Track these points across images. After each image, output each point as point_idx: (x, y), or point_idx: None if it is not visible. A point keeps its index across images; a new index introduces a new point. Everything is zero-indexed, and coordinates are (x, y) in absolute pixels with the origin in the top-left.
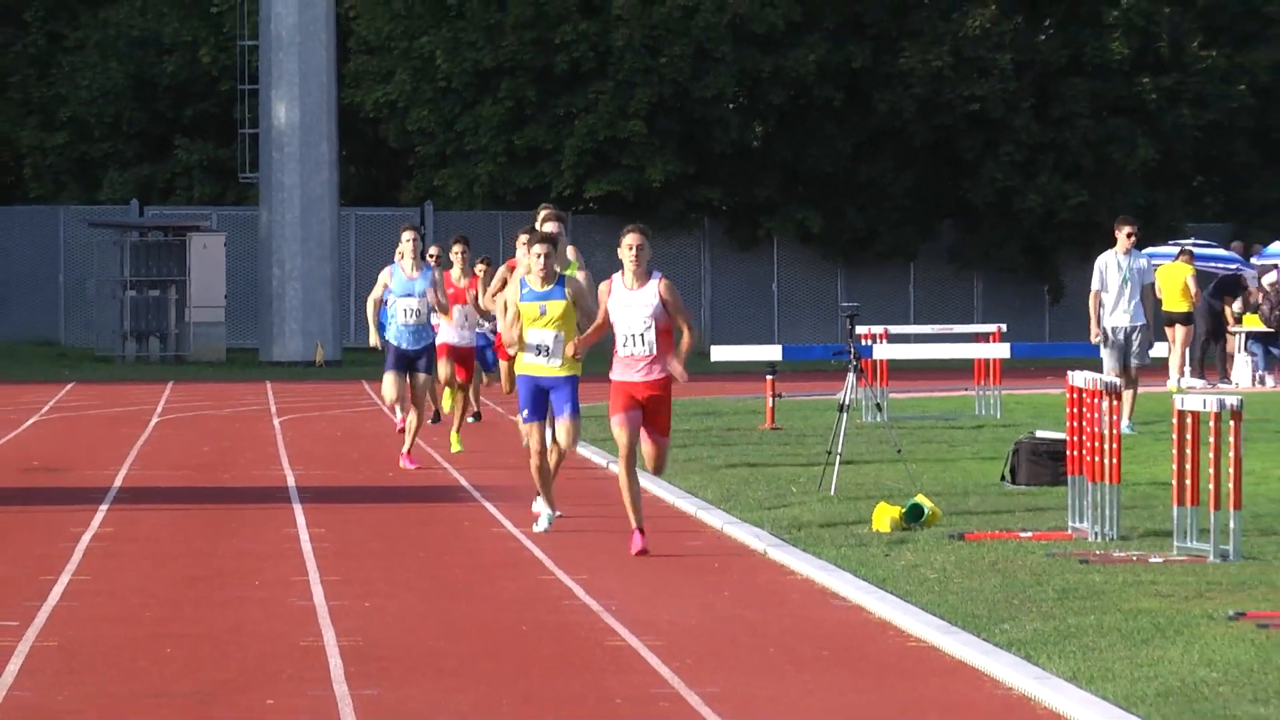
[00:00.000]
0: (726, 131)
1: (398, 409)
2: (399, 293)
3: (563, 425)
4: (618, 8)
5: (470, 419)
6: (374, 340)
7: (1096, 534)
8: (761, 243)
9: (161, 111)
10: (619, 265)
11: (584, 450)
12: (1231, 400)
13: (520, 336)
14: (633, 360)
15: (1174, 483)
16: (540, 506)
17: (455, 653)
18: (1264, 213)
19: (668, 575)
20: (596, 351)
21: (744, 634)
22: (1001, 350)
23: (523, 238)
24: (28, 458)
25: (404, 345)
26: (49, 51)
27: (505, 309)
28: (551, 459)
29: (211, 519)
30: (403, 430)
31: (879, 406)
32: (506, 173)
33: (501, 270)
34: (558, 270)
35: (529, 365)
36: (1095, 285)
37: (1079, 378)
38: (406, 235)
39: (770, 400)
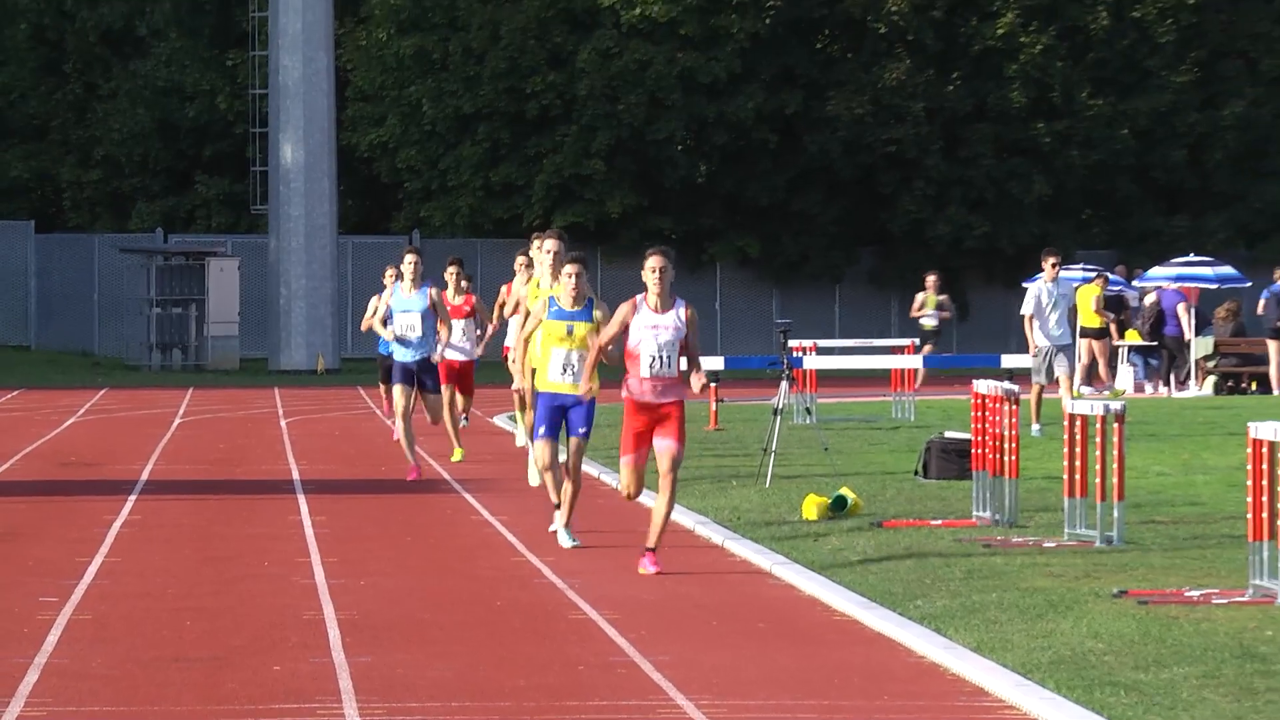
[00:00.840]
0: (676, 169)
1: (398, 421)
2: (399, 309)
3: (574, 442)
4: (581, 61)
5: (463, 422)
6: (388, 334)
7: (997, 522)
8: (706, 266)
9: (184, 151)
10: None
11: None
12: (1115, 405)
13: (529, 344)
14: (656, 381)
15: (1065, 477)
16: (560, 524)
17: (438, 624)
18: (1143, 240)
19: (624, 558)
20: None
21: (691, 609)
22: (915, 361)
23: (537, 244)
24: (66, 453)
25: (405, 359)
26: (85, 99)
27: (522, 320)
28: (567, 492)
29: (226, 507)
30: (399, 440)
31: (809, 410)
32: (484, 205)
33: (501, 294)
34: (586, 293)
35: (553, 384)
36: (1027, 310)
37: (982, 385)
38: (409, 257)
39: (713, 404)
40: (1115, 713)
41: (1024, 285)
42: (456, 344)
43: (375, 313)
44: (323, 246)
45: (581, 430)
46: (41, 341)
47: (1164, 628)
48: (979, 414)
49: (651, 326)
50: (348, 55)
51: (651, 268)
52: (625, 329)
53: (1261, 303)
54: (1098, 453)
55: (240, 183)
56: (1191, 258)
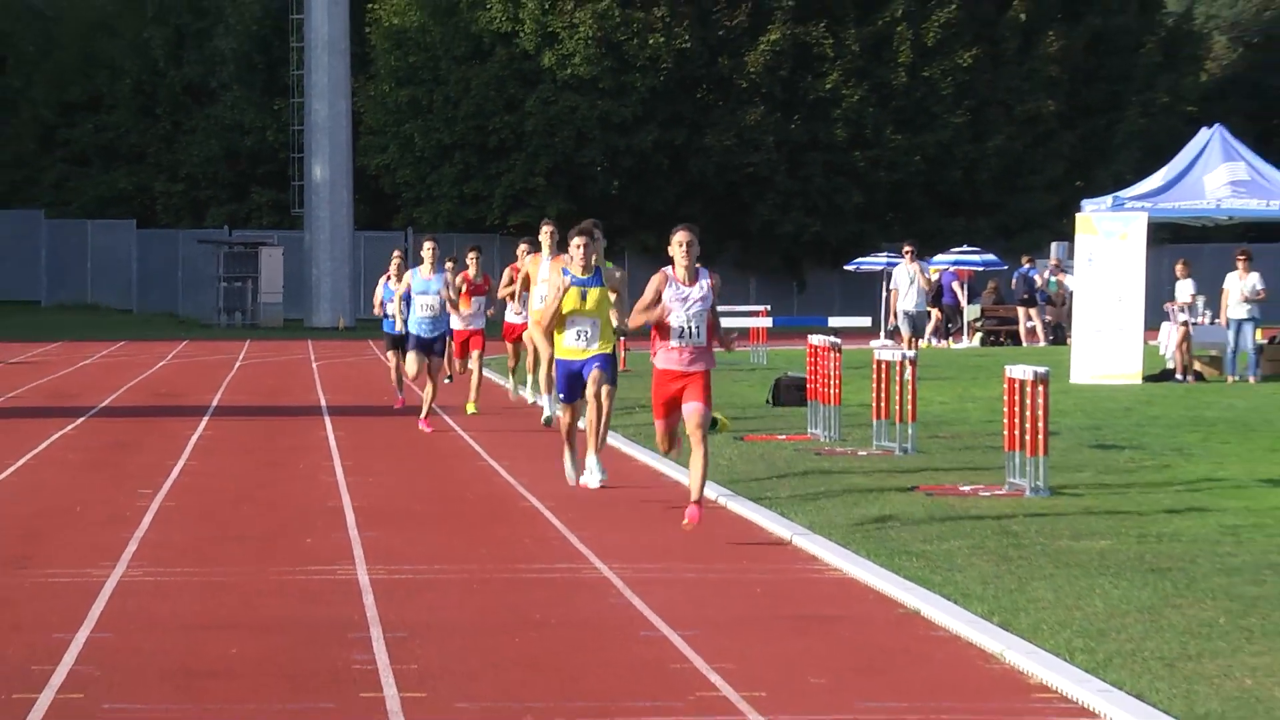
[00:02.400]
0: (596, 184)
1: (398, 390)
2: (418, 290)
3: (593, 375)
4: (528, 107)
5: (446, 380)
6: (399, 325)
7: (826, 437)
8: (617, 255)
9: (243, 170)
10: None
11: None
12: (909, 353)
13: (555, 319)
14: (683, 350)
15: (873, 404)
16: (569, 465)
17: (426, 511)
18: (930, 236)
19: (555, 464)
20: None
21: (605, 498)
22: (766, 322)
23: (578, 239)
24: (158, 387)
25: (423, 333)
26: (172, 133)
27: (531, 297)
28: (592, 420)
29: (272, 426)
30: (401, 404)
31: None
32: (458, 209)
33: (507, 271)
34: (594, 263)
35: (568, 350)
36: (893, 286)
37: (815, 339)
38: (428, 245)
39: (622, 354)
40: (908, 573)
41: (849, 267)
42: (473, 315)
43: (394, 296)
44: (342, 239)
45: (597, 364)
46: (141, 307)
47: (944, 512)
48: (812, 360)
49: (681, 299)
50: (360, 102)
51: (679, 242)
52: (659, 299)
53: (1013, 280)
54: (897, 387)
55: (283, 193)
56: (965, 248)
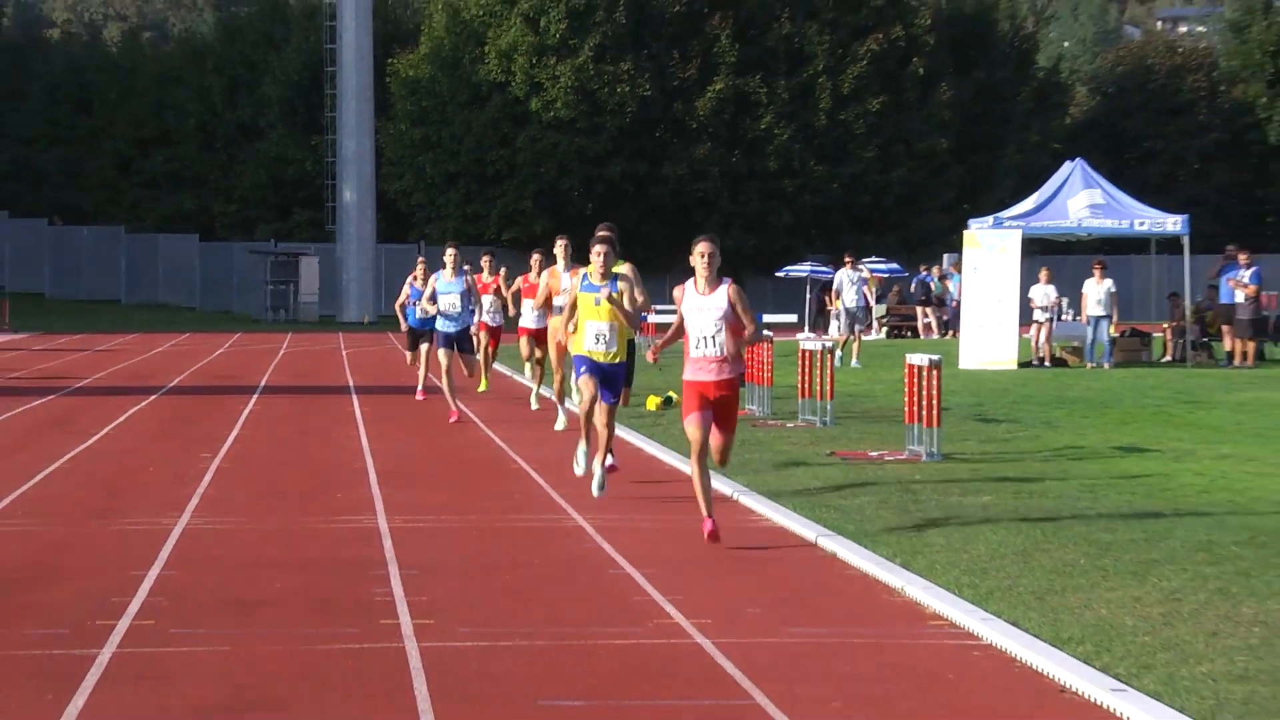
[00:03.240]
0: (574, 207)
1: (443, 377)
2: (442, 291)
3: (604, 408)
4: (519, 143)
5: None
6: (432, 309)
7: (760, 412)
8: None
9: (286, 194)
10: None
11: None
12: (829, 344)
13: (571, 321)
14: (705, 361)
15: (799, 385)
16: (581, 455)
17: (434, 470)
18: (846, 249)
19: (539, 430)
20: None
21: (568, 458)
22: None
23: (599, 247)
24: (216, 370)
25: (448, 330)
26: (228, 163)
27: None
28: (601, 439)
29: (309, 402)
30: (424, 395)
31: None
32: (461, 226)
33: (518, 280)
34: (613, 270)
35: (590, 351)
36: (836, 287)
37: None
38: (450, 251)
39: None
40: (826, 522)
41: (780, 274)
42: (489, 313)
43: (423, 296)
44: (367, 250)
45: (610, 400)
46: (202, 306)
47: (856, 473)
48: (750, 350)
49: (698, 310)
50: (382, 139)
51: (700, 253)
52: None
53: (913, 285)
54: (819, 372)
55: (319, 213)
56: (873, 258)
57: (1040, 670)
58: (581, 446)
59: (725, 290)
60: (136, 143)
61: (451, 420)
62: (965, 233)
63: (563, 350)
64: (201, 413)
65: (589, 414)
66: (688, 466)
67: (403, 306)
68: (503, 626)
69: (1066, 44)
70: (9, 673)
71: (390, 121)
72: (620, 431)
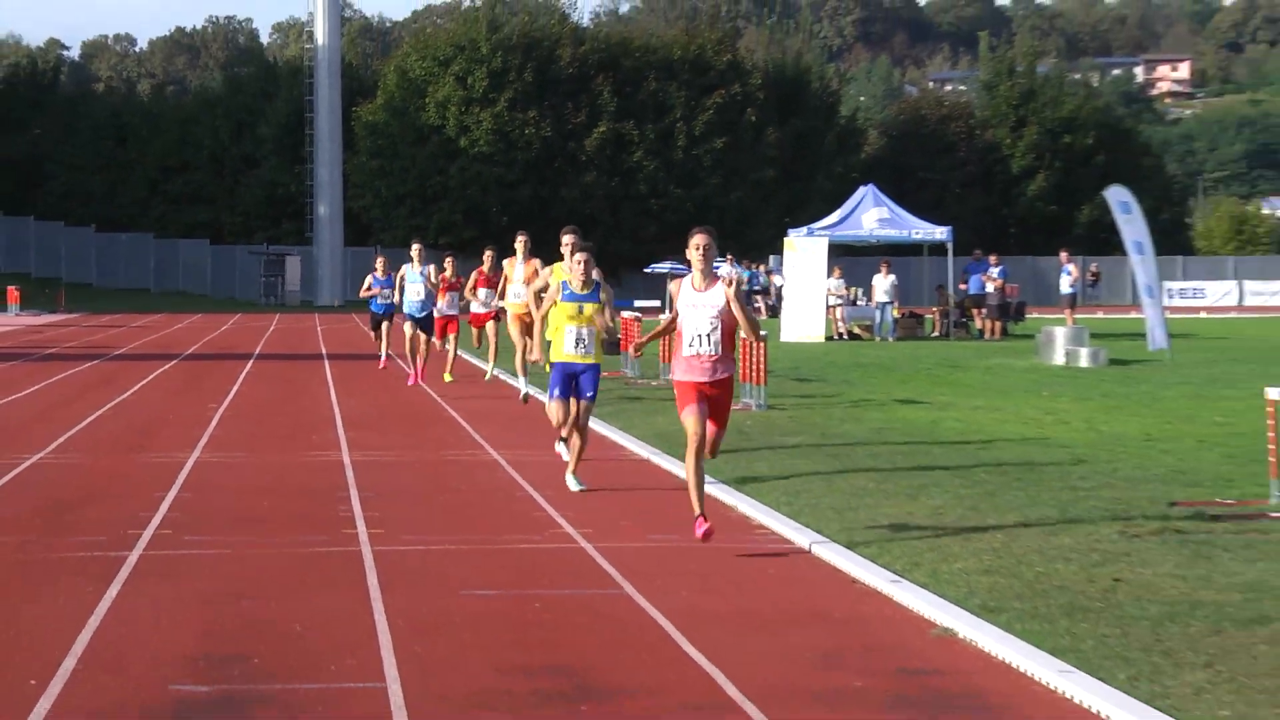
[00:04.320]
0: (494, 219)
1: (409, 361)
2: (410, 280)
3: (582, 405)
4: (451, 173)
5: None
6: (395, 297)
7: (632, 374)
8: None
9: (277, 209)
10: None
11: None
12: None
13: (544, 319)
14: (699, 360)
15: (660, 351)
16: (562, 448)
17: (390, 419)
18: (721, 254)
19: (471, 387)
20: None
21: (506, 416)
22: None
23: (568, 239)
24: (221, 343)
25: (413, 312)
26: (234, 186)
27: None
28: (575, 445)
29: (291, 367)
30: (385, 364)
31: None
32: (408, 235)
33: (474, 273)
34: (593, 278)
35: (566, 355)
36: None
37: (625, 314)
38: (415, 246)
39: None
40: (679, 456)
41: (648, 271)
42: (449, 304)
43: (394, 285)
44: (336, 253)
45: (589, 394)
46: (213, 293)
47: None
48: (625, 327)
49: (693, 305)
50: (348, 168)
51: (695, 245)
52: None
53: (746, 279)
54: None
55: (301, 224)
56: (718, 260)
57: (838, 567)
58: (562, 444)
59: (721, 287)
60: (162, 170)
61: (410, 383)
62: (786, 240)
63: (522, 324)
64: (210, 374)
65: (566, 428)
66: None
67: (368, 298)
68: (436, 535)
69: (862, 99)
70: (61, 569)
71: (354, 155)
72: (532, 390)
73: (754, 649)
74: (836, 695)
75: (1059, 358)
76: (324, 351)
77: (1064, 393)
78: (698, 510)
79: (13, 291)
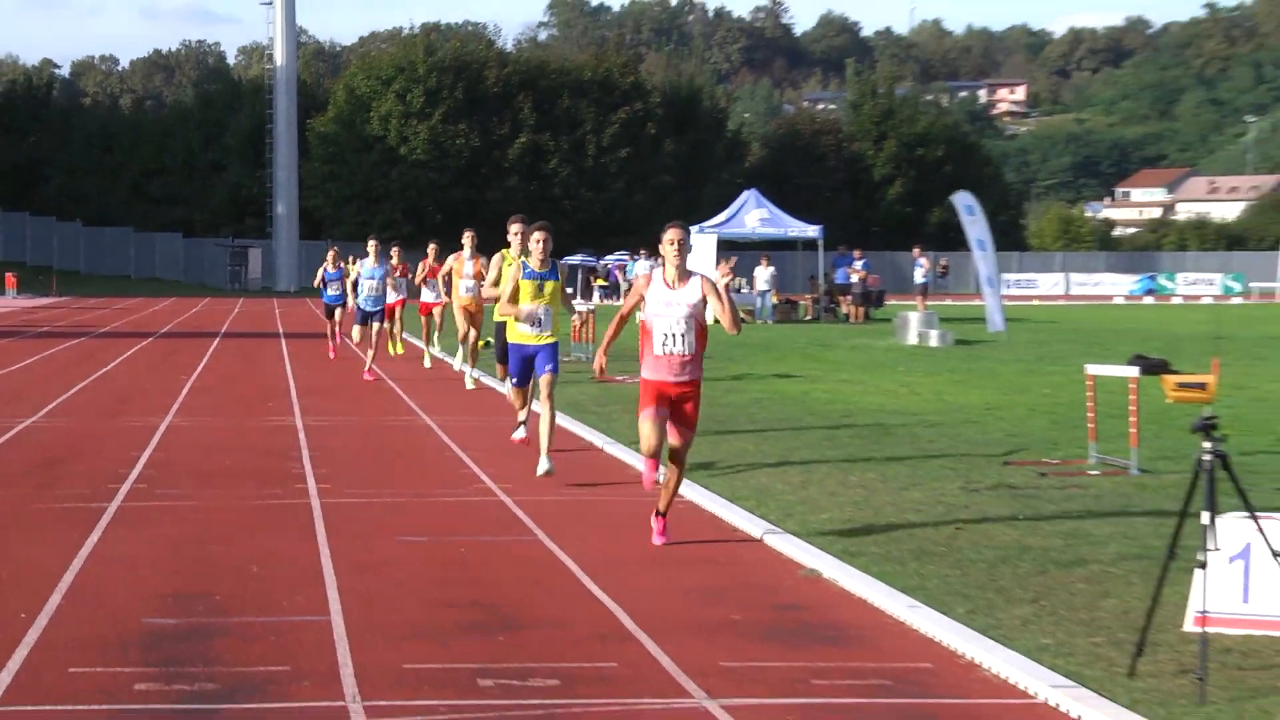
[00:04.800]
0: (430, 218)
1: (331, 342)
2: (365, 275)
3: (545, 378)
4: (392, 177)
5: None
6: (351, 302)
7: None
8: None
9: (241, 208)
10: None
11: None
12: (591, 306)
13: (510, 302)
14: (670, 359)
15: (573, 331)
16: (521, 432)
17: (339, 389)
18: (608, 248)
19: (409, 368)
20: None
21: (432, 384)
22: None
23: (516, 226)
24: (192, 323)
25: (366, 307)
26: (204, 187)
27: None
28: (545, 423)
29: (253, 344)
30: (335, 355)
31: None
32: (355, 230)
33: (421, 264)
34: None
35: (522, 335)
36: (636, 273)
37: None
38: (371, 242)
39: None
40: (590, 424)
41: (563, 262)
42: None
43: (340, 277)
44: (292, 246)
45: (549, 367)
46: (185, 279)
47: (607, 393)
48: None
49: (665, 303)
50: (303, 172)
51: (670, 239)
52: (641, 300)
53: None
54: (590, 326)
55: (263, 220)
56: (621, 251)
57: (721, 517)
58: (522, 425)
59: (698, 282)
60: (143, 174)
61: (367, 379)
62: None
63: (468, 314)
64: (180, 350)
65: (524, 412)
66: (476, 373)
67: (319, 287)
68: (375, 489)
69: (747, 115)
70: (50, 518)
71: (308, 161)
72: (477, 374)
73: (649, 588)
74: (718, 626)
75: (913, 339)
76: (281, 331)
77: (917, 369)
78: (660, 508)
79: (10, 278)
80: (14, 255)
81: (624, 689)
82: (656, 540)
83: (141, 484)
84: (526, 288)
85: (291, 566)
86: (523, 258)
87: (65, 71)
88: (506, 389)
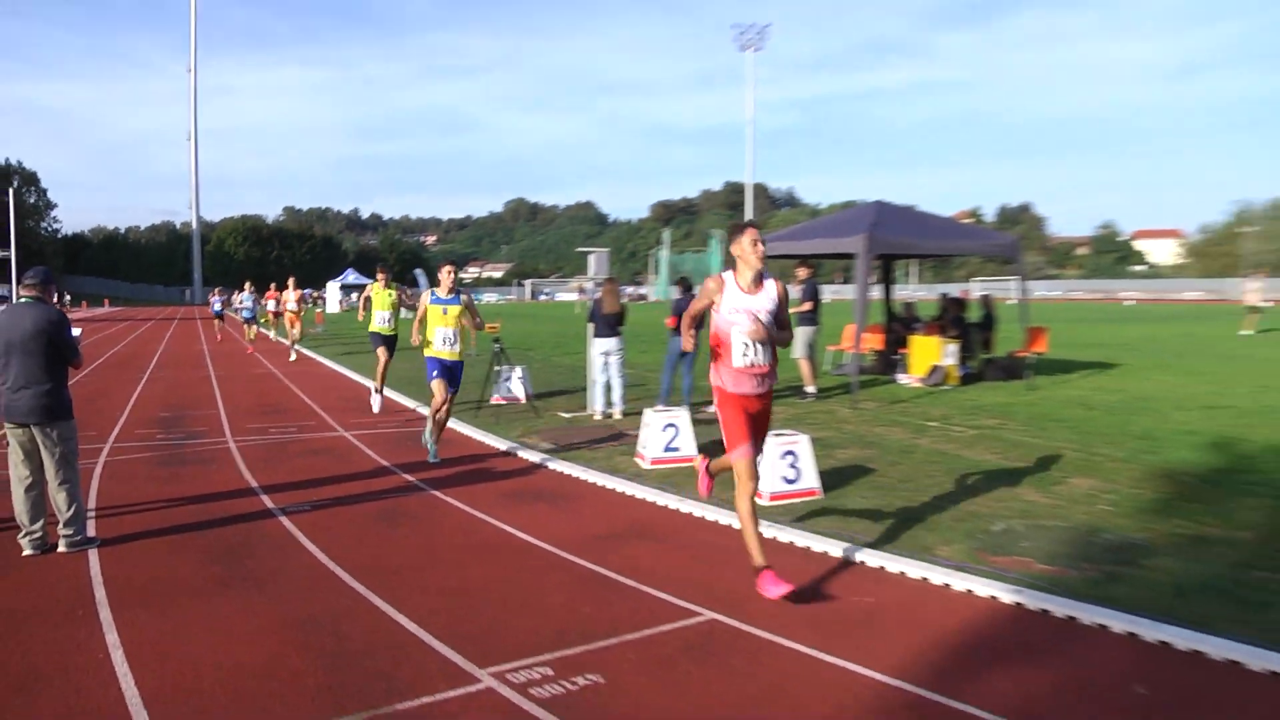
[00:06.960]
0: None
1: (251, 336)
2: (243, 300)
3: (451, 394)
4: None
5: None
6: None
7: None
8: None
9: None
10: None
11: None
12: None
13: (424, 329)
14: (752, 371)
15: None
16: (428, 440)
17: (265, 372)
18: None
19: (311, 367)
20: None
21: (316, 380)
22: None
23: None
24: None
25: (245, 316)
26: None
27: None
28: (441, 422)
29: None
30: (251, 352)
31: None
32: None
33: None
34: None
35: (439, 351)
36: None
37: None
38: (247, 284)
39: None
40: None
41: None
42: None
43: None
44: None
45: (453, 391)
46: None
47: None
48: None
49: (744, 310)
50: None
51: (753, 239)
52: (710, 306)
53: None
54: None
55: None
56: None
57: (495, 446)
58: (429, 429)
59: (773, 287)
60: None
61: (248, 352)
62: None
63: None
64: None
65: (439, 409)
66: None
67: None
68: (277, 447)
69: None
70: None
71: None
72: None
73: (461, 480)
74: (501, 496)
75: None
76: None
77: None
78: (761, 560)
79: None
80: None
81: None
82: (774, 591)
83: (121, 430)
84: (434, 312)
85: (211, 418)
86: (432, 288)
87: None
88: (435, 385)
